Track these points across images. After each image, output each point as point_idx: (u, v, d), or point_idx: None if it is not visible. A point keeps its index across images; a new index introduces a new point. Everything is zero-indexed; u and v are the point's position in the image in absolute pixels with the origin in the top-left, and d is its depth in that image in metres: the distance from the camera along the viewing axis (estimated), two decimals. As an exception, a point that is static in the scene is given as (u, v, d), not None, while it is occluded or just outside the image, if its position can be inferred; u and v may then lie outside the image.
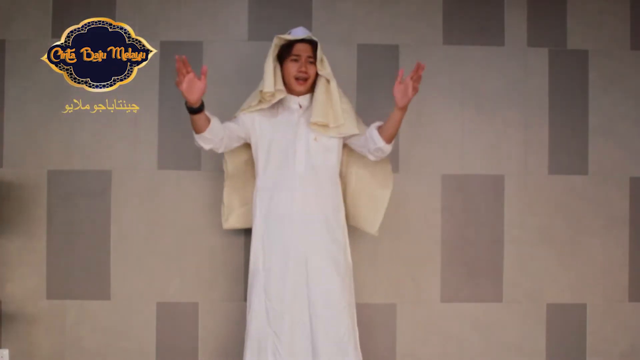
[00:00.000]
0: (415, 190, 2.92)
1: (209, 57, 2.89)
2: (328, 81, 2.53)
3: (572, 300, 2.95)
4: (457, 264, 2.92)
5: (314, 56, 2.51)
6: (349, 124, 2.52)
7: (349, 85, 2.86)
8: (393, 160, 2.80)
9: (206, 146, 2.47)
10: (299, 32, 2.53)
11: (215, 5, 2.91)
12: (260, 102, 2.53)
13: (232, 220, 2.71)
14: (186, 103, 2.33)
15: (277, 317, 2.43)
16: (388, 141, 2.46)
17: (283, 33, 2.55)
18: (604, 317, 2.95)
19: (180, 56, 2.25)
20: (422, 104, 2.93)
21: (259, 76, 2.58)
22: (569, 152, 2.96)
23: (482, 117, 2.95)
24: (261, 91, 2.49)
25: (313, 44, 2.52)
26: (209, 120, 2.40)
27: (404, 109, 2.38)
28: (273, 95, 2.50)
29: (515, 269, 2.93)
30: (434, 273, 2.92)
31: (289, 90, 2.55)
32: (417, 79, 2.34)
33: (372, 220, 2.67)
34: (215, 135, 2.44)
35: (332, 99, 2.50)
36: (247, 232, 2.83)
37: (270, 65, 2.48)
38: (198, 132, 2.41)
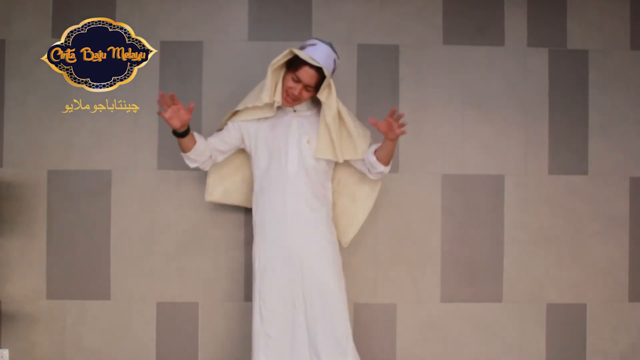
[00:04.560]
0: (415, 190, 2.92)
1: (209, 57, 2.89)
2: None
3: (572, 300, 2.95)
4: (457, 264, 2.92)
5: (318, 84, 2.44)
6: (360, 150, 2.56)
7: (349, 85, 2.86)
8: (393, 160, 2.79)
9: (191, 165, 2.55)
10: (319, 53, 2.41)
11: (215, 5, 2.91)
12: (257, 109, 2.54)
13: (218, 192, 2.71)
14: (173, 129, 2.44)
15: (270, 318, 2.44)
16: (386, 164, 2.53)
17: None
18: (604, 317, 2.95)
19: (167, 93, 2.36)
20: (422, 104, 2.93)
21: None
22: (569, 152, 2.96)
23: (482, 117, 2.95)
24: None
25: (321, 72, 2.41)
26: (195, 142, 2.48)
27: (393, 140, 2.43)
28: (270, 106, 2.51)
29: (515, 269, 2.93)
30: (434, 273, 2.92)
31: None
32: (396, 120, 2.37)
33: (343, 234, 2.69)
34: (199, 157, 2.52)
35: (342, 132, 2.53)
36: (247, 231, 2.84)
37: (268, 77, 2.44)
38: (184, 151, 2.51)
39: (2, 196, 2.83)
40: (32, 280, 2.84)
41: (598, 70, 2.97)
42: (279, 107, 2.56)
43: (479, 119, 2.95)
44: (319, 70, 2.40)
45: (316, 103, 2.61)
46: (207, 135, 2.63)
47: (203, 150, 2.51)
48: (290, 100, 2.48)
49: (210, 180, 2.69)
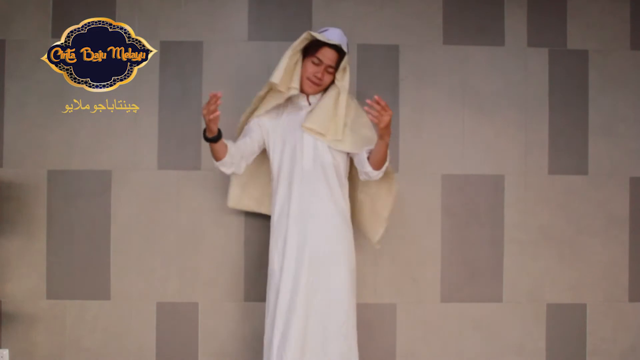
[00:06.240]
0: (415, 190, 2.92)
1: (209, 57, 2.89)
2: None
3: (572, 300, 2.95)
4: (457, 264, 2.92)
5: (337, 65, 2.46)
6: (349, 142, 2.48)
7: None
8: (393, 160, 2.81)
9: (228, 171, 2.47)
10: (334, 36, 2.45)
11: (215, 5, 2.91)
12: (267, 94, 2.49)
13: (243, 202, 2.75)
14: (205, 134, 2.33)
15: (285, 317, 2.41)
16: (376, 168, 2.43)
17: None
18: (604, 317, 2.95)
19: (216, 93, 2.19)
20: (422, 104, 2.93)
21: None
22: (569, 152, 2.96)
23: (482, 117, 2.95)
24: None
25: (340, 53, 2.45)
26: (226, 146, 2.40)
27: (382, 137, 2.32)
28: (281, 92, 2.45)
29: (515, 269, 2.93)
30: (434, 273, 2.92)
31: (301, 88, 2.50)
32: (379, 110, 2.24)
33: (373, 233, 2.69)
34: (233, 158, 2.44)
35: (338, 111, 2.47)
36: (248, 231, 2.84)
37: (286, 59, 2.42)
38: (218, 159, 2.41)
39: (2, 196, 2.83)
40: (32, 280, 2.84)
41: (598, 70, 2.97)
42: (293, 100, 2.54)
43: (479, 119, 2.95)
44: (336, 51, 2.43)
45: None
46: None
47: (235, 151, 2.44)
48: (314, 85, 2.46)
49: (232, 190, 2.73)
